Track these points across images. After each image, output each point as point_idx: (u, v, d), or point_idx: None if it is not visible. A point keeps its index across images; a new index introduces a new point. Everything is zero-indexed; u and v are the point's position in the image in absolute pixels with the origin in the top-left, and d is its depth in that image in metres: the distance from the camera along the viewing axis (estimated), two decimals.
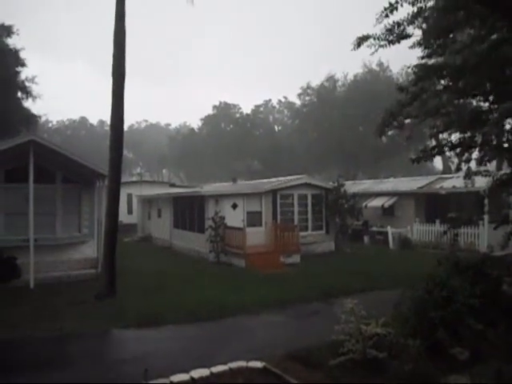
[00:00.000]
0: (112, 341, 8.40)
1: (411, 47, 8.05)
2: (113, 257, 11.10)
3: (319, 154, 47.60)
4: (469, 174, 8.78)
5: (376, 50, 7.18)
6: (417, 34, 7.55)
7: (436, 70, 7.66)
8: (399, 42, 7.21)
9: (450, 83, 8.13)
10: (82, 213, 14.13)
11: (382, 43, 7.08)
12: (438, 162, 49.13)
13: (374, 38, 7.02)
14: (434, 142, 12.72)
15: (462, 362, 6.15)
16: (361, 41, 7.07)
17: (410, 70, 8.97)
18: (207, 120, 70.67)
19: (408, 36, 7.23)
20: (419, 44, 7.93)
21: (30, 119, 32.77)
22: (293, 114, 59.18)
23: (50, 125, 78.90)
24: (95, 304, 10.07)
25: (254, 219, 17.39)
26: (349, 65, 77.40)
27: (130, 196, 28.13)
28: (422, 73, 7.91)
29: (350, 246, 19.06)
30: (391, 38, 7.05)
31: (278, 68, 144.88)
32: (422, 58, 8.41)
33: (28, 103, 32.96)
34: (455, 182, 20.15)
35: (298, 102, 55.04)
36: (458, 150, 8.65)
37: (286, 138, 57.80)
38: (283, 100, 69.96)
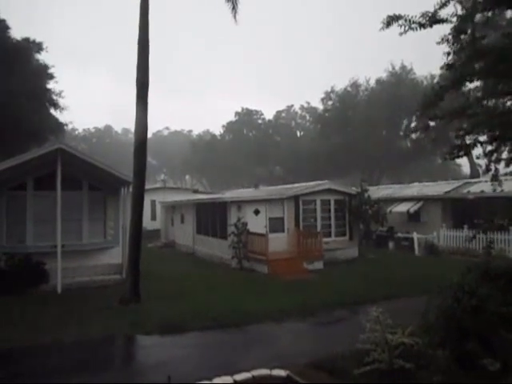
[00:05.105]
0: (136, 347, 8.48)
1: (439, 42, 7.54)
2: (137, 262, 11.25)
3: (342, 158, 47.16)
4: (496, 176, 8.34)
5: (405, 32, 6.86)
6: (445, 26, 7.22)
7: (481, 53, 7.11)
8: (431, 26, 6.90)
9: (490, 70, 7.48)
10: (108, 219, 14.41)
11: (413, 26, 6.78)
12: (465, 166, 47.96)
13: (406, 20, 6.73)
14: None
15: (493, 373, 5.91)
16: (391, 20, 6.76)
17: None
18: (229, 126, 71.00)
19: (442, 21, 6.89)
20: (455, 30, 7.24)
21: (58, 127, 33.57)
22: (315, 118, 58.83)
23: (77, 133, 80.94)
24: (120, 309, 10.20)
25: (276, 225, 17.34)
26: (371, 71, 76.81)
27: (153, 202, 28.52)
28: (469, 53, 7.34)
29: (375, 253, 18.76)
30: (423, 21, 6.74)
31: (300, 74, 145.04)
32: (448, 54, 8.07)
33: (55, 112, 33.87)
34: (483, 186, 19.57)
35: (320, 107, 54.77)
36: (488, 148, 8.26)
37: (308, 143, 57.52)
38: (305, 105, 69.69)
